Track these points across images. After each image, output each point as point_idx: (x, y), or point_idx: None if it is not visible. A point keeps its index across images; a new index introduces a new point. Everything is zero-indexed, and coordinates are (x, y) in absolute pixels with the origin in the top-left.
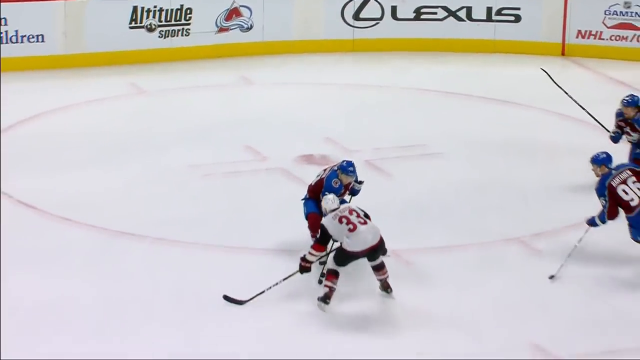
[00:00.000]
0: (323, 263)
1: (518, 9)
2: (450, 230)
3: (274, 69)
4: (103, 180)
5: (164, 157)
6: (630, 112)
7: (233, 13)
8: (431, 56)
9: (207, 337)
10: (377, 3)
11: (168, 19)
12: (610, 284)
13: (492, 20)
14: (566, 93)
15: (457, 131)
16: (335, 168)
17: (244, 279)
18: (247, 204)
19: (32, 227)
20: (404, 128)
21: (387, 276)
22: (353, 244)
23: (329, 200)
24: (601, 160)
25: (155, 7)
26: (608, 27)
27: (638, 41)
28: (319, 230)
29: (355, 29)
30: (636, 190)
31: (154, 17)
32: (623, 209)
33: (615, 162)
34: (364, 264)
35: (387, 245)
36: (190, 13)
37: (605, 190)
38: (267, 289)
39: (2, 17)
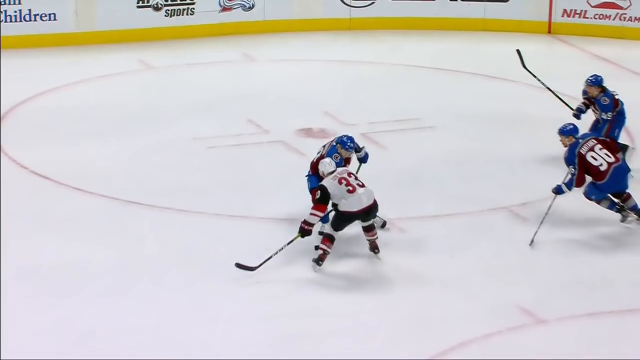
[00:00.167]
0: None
1: None
2: (441, 199)
3: (274, 46)
4: (113, 152)
5: (171, 130)
6: (593, 91)
7: None
8: (424, 34)
9: (212, 299)
10: None
11: None
12: (593, 247)
13: (482, 0)
14: (532, 74)
15: (448, 105)
16: (334, 143)
17: (247, 245)
18: (249, 174)
19: (47, 197)
20: (397, 102)
21: (377, 237)
22: (350, 205)
23: (326, 164)
24: (569, 131)
25: None
26: (592, 6)
27: (621, 20)
28: (319, 191)
29: (352, 8)
30: (604, 156)
31: None
32: (593, 176)
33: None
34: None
35: (382, 214)
36: None
37: (575, 158)
38: (274, 254)
39: None
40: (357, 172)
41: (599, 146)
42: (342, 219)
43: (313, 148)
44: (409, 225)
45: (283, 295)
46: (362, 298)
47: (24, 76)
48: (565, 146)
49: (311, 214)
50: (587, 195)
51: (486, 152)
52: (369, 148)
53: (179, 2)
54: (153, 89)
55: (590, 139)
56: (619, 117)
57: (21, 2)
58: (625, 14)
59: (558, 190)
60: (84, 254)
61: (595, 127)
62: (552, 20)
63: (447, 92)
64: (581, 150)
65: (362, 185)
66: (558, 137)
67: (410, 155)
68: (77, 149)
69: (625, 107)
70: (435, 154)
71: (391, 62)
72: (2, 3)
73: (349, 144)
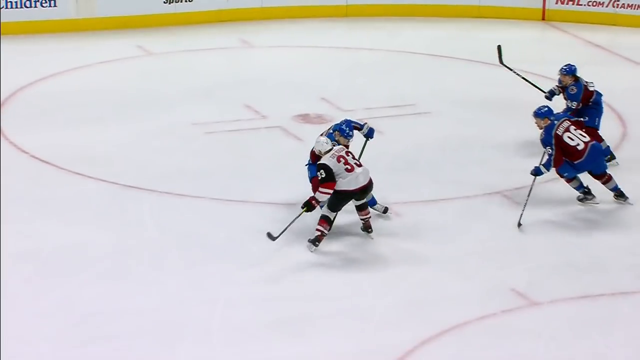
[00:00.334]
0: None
1: None
2: (437, 184)
3: (272, 33)
4: (113, 137)
5: (170, 115)
6: (567, 80)
7: None
8: (420, 21)
9: (211, 282)
10: None
11: None
12: (586, 230)
13: None
14: (508, 68)
15: (444, 91)
16: (332, 131)
17: (246, 229)
18: (248, 159)
19: (47, 181)
20: (394, 88)
21: (370, 217)
22: (347, 183)
23: (322, 143)
24: (544, 114)
25: None
26: None
27: (614, 6)
28: (322, 170)
29: None
30: (579, 136)
31: None
32: (570, 155)
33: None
34: (355, 218)
35: (379, 199)
36: None
37: (552, 139)
38: (286, 228)
39: None
40: (363, 149)
41: (573, 127)
42: (339, 198)
43: (310, 133)
44: (405, 209)
45: (281, 277)
46: (359, 280)
47: (24, 62)
48: (541, 128)
49: (320, 191)
50: (560, 172)
51: (481, 138)
52: (360, 138)
53: None
54: (152, 74)
55: (564, 120)
56: (597, 107)
57: None
58: (618, 0)
59: (536, 172)
60: (84, 238)
61: (567, 111)
62: (546, 7)
63: (443, 78)
64: (557, 132)
65: (360, 165)
66: (533, 120)
67: (406, 141)
68: (77, 134)
69: (603, 98)
70: (431, 139)
71: (388, 49)
72: None
73: (347, 131)
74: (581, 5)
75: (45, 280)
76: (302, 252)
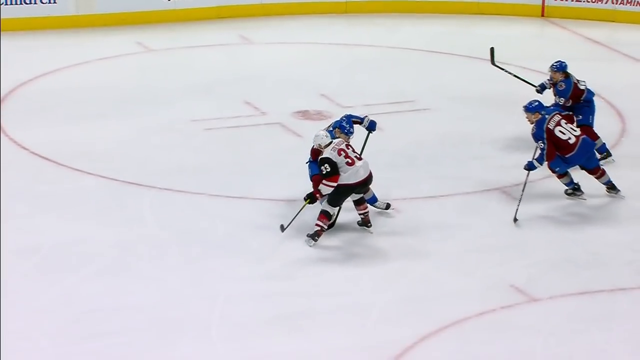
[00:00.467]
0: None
1: None
2: (436, 180)
3: (272, 29)
4: (113, 133)
5: (170, 112)
6: (557, 77)
7: None
8: (419, 17)
9: (211, 278)
10: None
11: None
12: (584, 227)
13: None
14: (501, 68)
15: (443, 87)
16: (331, 128)
17: (245, 225)
18: (247, 156)
19: (47, 177)
20: (393, 85)
21: (368, 211)
22: (347, 177)
23: (322, 137)
24: (535, 108)
25: None
26: None
27: (613, 3)
28: (326, 164)
29: None
30: (570, 130)
31: None
32: (562, 149)
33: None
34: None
35: (379, 196)
36: None
37: (544, 133)
38: (292, 220)
39: None
40: (365, 142)
41: (564, 120)
42: (340, 193)
43: (310, 130)
44: (404, 205)
45: (281, 273)
46: (358, 276)
47: (24, 58)
48: (532, 123)
49: (324, 184)
50: (552, 166)
51: (481, 134)
52: (362, 132)
53: None
54: (152, 71)
55: (555, 114)
56: (589, 105)
57: None
58: None
59: (530, 166)
60: (84, 234)
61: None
62: (545, 4)
63: (442, 74)
64: (549, 126)
65: (360, 158)
66: (524, 115)
67: (406, 137)
68: (77, 130)
69: (595, 97)
70: (431, 135)
71: (387, 45)
72: None
73: (347, 128)
74: (580, 1)
75: (45, 276)
76: (302, 248)
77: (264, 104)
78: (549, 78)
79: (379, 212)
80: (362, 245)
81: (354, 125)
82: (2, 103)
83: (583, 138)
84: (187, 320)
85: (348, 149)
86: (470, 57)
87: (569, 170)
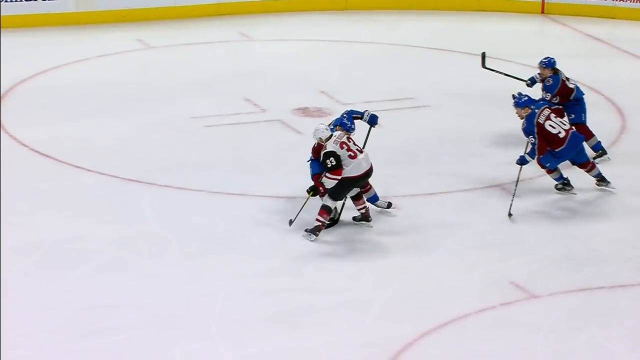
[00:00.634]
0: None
1: None
2: (436, 177)
3: (272, 26)
4: (113, 130)
5: (170, 109)
6: (546, 73)
7: None
8: (419, 14)
9: (211, 275)
10: None
11: None
12: (584, 223)
13: None
14: (492, 70)
15: (443, 84)
16: (332, 126)
17: (246, 222)
18: (247, 153)
19: (47, 174)
20: (393, 81)
21: (366, 206)
22: (350, 170)
23: (322, 130)
24: (524, 103)
25: None
26: None
27: (613, 0)
28: (331, 158)
29: None
30: (560, 124)
31: None
32: (552, 143)
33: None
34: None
35: (379, 192)
36: None
37: (534, 128)
38: (299, 212)
39: None
40: (367, 137)
41: (554, 114)
42: (343, 186)
43: (310, 127)
44: (404, 202)
45: (281, 270)
46: (358, 273)
47: (24, 55)
48: (522, 118)
49: (327, 177)
50: (542, 162)
51: (481, 131)
52: (364, 126)
53: None
54: (152, 68)
55: (544, 108)
56: (580, 103)
57: None
58: None
59: (522, 161)
60: (84, 231)
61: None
62: (545, 0)
63: (442, 71)
64: (539, 120)
65: (361, 151)
66: (514, 110)
67: (406, 134)
68: (77, 127)
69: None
70: (431, 132)
71: (387, 42)
72: None
73: (349, 125)
74: None
75: (45, 273)
76: (301, 245)
77: (264, 100)
78: (539, 72)
79: (378, 210)
80: (362, 242)
81: (355, 121)
82: (2, 100)
83: (572, 132)
84: (187, 317)
85: (349, 141)
86: (470, 54)
87: (558, 165)
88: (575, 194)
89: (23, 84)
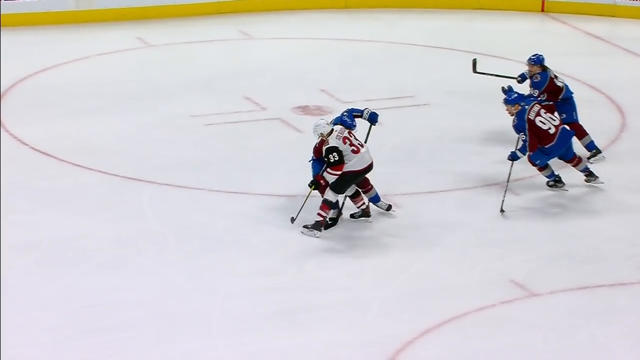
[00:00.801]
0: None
1: None
2: (436, 175)
3: (272, 24)
4: (113, 128)
5: (170, 107)
6: (534, 69)
7: None
8: (419, 12)
9: (211, 273)
10: None
11: None
12: (584, 222)
13: None
14: (483, 73)
15: (443, 82)
16: (333, 125)
17: (246, 220)
18: (247, 151)
19: (48, 173)
20: (393, 80)
21: (365, 203)
22: (353, 164)
23: (322, 125)
24: (514, 100)
25: None
26: None
27: None
28: (333, 152)
29: None
30: (550, 120)
31: None
32: (542, 139)
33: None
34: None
35: (379, 191)
36: None
37: (526, 124)
38: (300, 209)
39: None
40: (367, 135)
41: (543, 110)
42: (346, 180)
43: (310, 125)
44: (404, 200)
45: (281, 268)
46: (358, 271)
47: (24, 54)
48: (512, 114)
49: (329, 172)
50: (532, 159)
51: (481, 129)
52: (364, 125)
53: None
54: (152, 66)
55: (534, 104)
56: (569, 102)
57: None
58: None
59: (513, 157)
60: (84, 229)
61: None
62: None
63: (442, 69)
64: (529, 117)
65: (362, 145)
66: (504, 107)
67: (406, 132)
68: (77, 126)
69: (574, 96)
70: (431, 130)
71: (387, 40)
72: None
73: (349, 122)
74: None
75: (45, 271)
76: (301, 243)
77: (264, 99)
78: (528, 69)
79: (378, 210)
80: (362, 240)
81: (357, 119)
82: (2, 98)
83: (562, 128)
84: (187, 315)
85: (351, 136)
86: (470, 52)
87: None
88: (567, 190)
89: (23, 82)
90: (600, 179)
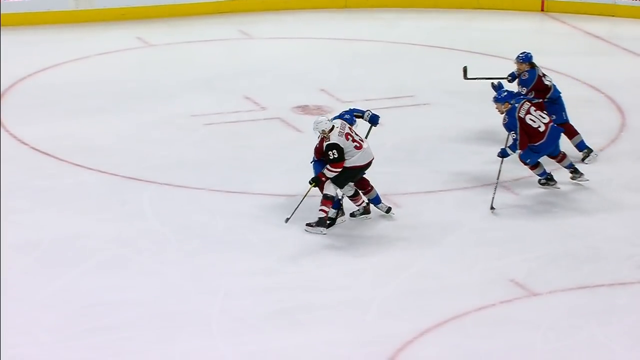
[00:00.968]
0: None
1: None
2: (436, 175)
3: (271, 24)
4: (113, 128)
5: (169, 107)
6: (523, 67)
7: None
8: (418, 12)
9: (211, 273)
10: None
11: None
12: (584, 221)
13: None
14: (473, 78)
15: (443, 82)
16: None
17: (245, 220)
18: (247, 151)
19: (47, 172)
20: (393, 79)
21: (364, 201)
22: (357, 160)
23: (323, 122)
24: (504, 98)
25: None
26: None
27: None
28: (335, 150)
29: None
30: (539, 117)
31: None
32: (532, 137)
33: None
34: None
35: (379, 190)
36: None
37: (517, 122)
38: (297, 206)
39: None
40: (367, 135)
41: (533, 108)
42: (348, 175)
43: (310, 125)
44: (403, 200)
45: (281, 268)
46: (358, 271)
47: (24, 53)
48: (502, 113)
49: (329, 169)
50: (523, 158)
51: (480, 129)
52: (364, 124)
53: None
54: (152, 66)
55: (524, 102)
56: (558, 102)
57: None
58: None
59: (503, 154)
60: (84, 229)
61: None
62: None
63: (441, 69)
64: (520, 115)
65: (363, 140)
66: (493, 105)
67: (406, 132)
68: (77, 125)
69: (562, 96)
70: (430, 130)
71: (387, 40)
72: None
73: (349, 119)
74: None
75: (45, 270)
76: (301, 242)
77: (264, 98)
78: (517, 67)
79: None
80: (361, 240)
81: (357, 120)
82: (2, 98)
83: (552, 125)
84: (187, 314)
85: (352, 131)
86: (470, 51)
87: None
88: (558, 188)
89: (23, 82)
90: (586, 176)
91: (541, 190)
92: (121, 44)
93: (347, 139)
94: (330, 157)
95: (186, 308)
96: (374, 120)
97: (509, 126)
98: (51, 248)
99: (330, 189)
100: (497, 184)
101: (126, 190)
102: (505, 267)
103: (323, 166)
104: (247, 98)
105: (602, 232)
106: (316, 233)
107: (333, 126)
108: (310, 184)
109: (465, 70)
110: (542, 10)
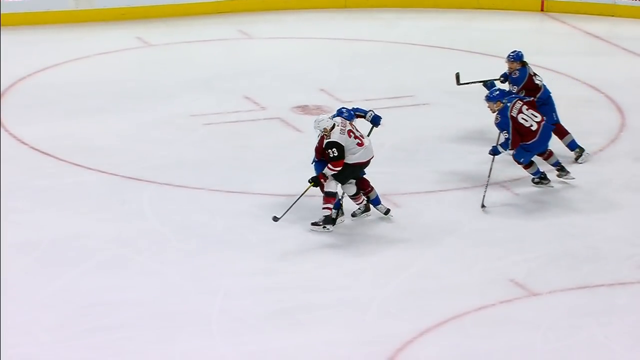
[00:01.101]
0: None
1: None
2: (435, 174)
3: (271, 24)
4: (112, 128)
5: (169, 107)
6: (514, 66)
7: None
8: (418, 12)
9: (210, 273)
10: None
11: None
12: (583, 221)
13: None
14: (467, 83)
15: (442, 82)
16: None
17: (245, 220)
18: (247, 151)
19: (47, 172)
20: (393, 79)
21: (364, 200)
22: (358, 157)
23: (325, 120)
24: (496, 97)
25: None
26: None
27: None
28: (333, 148)
29: None
30: (531, 116)
31: None
32: (524, 136)
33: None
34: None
35: (378, 190)
36: None
37: (509, 121)
38: (291, 206)
39: None
40: (368, 135)
41: (525, 107)
42: (349, 171)
43: (309, 124)
44: (403, 200)
45: (280, 268)
46: (358, 271)
47: (24, 53)
48: (494, 112)
49: (329, 168)
50: (516, 158)
51: (480, 129)
52: (364, 124)
53: None
54: (151, 66)
55: (516, 101)
56: (548, 102)
57: None
58: None
59: (494, 152)
60: (84, 228)
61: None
62: None
63: (441, 69)
64: (512, 114)
65: (363, 136)
66: (485, 104)
67: (406, 132)
68: (77, 125)
69: (552, 95)
70: (430, 130)
71: (386, 40)
72: None
73: (345, 114)
74: None
75: (45, 270)
76: (301, 242)
77: (264, 98)
78: (508, 67)
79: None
80: (361, 240)
81: (358, 120)
82: (2, 98)
83: (544, 124)
84: (186, 314)
85: (354, 128)
86: (469, 51)
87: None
88: (552, 186)
89: (23, 81)
90: (572, 175)
91: (541, 190)
92: (121, 44)
93: (350, 136)
94: (330, 155)
95: (186, 308)
96: (376, 120)
97: (501, 125)
98: (51, 248)
99: (332, 185)
100: (488, 182)
101: (126, 190)
102: (505, 267)
103: (324, 166)
104: (247, 98)
105: (602, 232)
106: (321, 231)
107: (334, 124)
108: (310, 183)
109: (457, 76)
110: (542, 10)
